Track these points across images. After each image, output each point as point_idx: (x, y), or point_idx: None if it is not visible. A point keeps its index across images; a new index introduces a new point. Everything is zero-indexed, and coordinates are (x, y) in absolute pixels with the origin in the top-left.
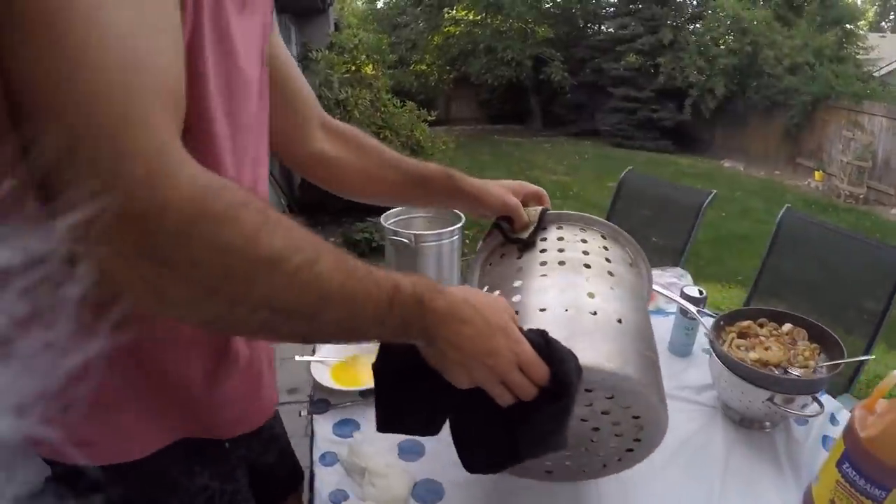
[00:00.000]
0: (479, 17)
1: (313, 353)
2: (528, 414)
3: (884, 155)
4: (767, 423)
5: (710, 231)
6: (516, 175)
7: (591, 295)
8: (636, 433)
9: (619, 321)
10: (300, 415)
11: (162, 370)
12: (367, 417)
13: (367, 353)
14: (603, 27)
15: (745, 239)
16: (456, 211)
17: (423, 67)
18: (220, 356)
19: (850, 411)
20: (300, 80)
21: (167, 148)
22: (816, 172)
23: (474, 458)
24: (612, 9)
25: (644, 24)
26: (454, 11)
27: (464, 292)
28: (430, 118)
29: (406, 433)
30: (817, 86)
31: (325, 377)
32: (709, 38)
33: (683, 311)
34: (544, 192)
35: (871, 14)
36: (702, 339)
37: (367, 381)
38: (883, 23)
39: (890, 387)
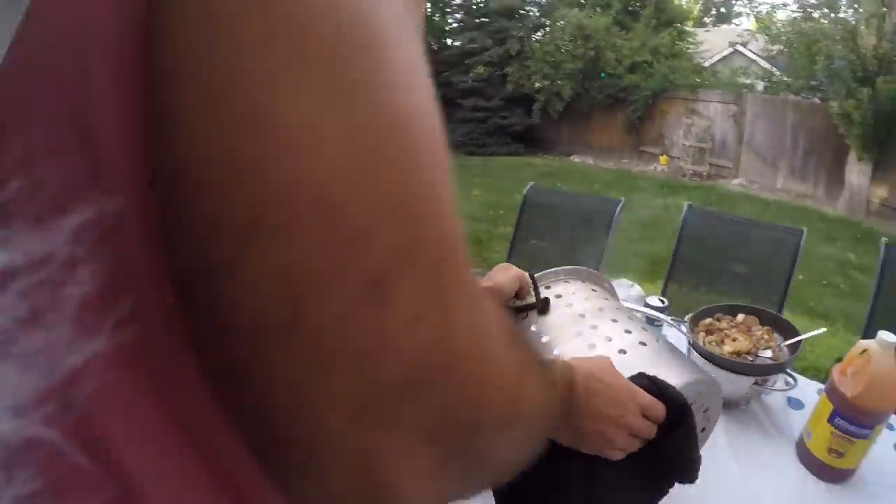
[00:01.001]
0: None
1: None
2: (663, 451)
3: (720, 135)
4: (743, 402)
5: None
6: None
7: (627, 332)
8: (704, 424)
9: (658, 340)
10: None
11: None
12: None
13: None
14: (450, 41)
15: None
16: None
17: None
18: None
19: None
20: None
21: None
22: (661, 157)
23: None
24: (461, 24)
25: (492, 36)
26: None
27: (580, 364)
28: None
29: None
30: (655, 81)
31: None
32: (553, 46)
33: (650, 320)
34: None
35: (696, 12)
36: None
37: None
38: (706, 18)
39: (859, 352)
